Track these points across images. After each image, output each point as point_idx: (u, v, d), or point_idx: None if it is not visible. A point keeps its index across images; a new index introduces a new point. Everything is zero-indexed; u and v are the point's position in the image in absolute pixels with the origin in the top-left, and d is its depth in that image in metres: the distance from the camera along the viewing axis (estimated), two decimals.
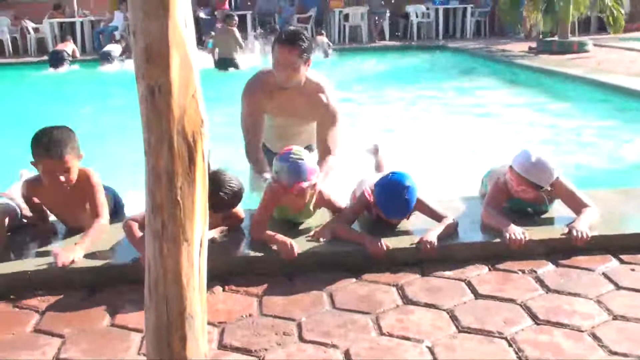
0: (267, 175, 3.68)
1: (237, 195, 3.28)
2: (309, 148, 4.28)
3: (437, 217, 3.42)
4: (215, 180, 3.24)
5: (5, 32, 17.45)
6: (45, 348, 2.62)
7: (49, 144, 3.19)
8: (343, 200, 3.71)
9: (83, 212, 3.43)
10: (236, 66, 13.40)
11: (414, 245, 3.24)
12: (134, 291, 2.94)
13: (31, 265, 3.15)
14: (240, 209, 3.49)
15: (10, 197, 3.65)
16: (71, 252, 3.10)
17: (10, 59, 16.86)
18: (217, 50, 13.84)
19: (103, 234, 3.32)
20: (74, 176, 3.30)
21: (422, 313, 2.78)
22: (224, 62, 13.56)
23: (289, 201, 3.40)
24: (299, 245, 3.23)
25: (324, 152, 4.02)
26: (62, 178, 3.25)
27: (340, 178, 4.01)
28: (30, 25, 17.68)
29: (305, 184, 3.30)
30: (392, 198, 3.34)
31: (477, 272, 3.15)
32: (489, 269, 3.18)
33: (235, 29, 14.19)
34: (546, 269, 3.16)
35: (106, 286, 3.08)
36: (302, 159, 3.30)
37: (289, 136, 4.18)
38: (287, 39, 3.79)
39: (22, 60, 16.47)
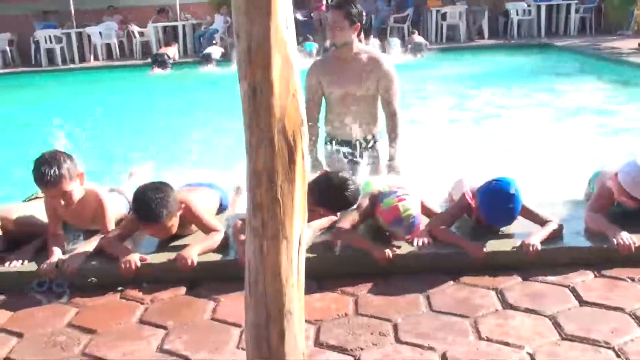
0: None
1: (358, 192, 3.55)
2: (372, 138, 4.63)
3: (540, 220, 3.31)
4: (335, 182, 3.49)
5: (113, 36, 18.30)
6: (150, 338, 2.73)
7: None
8: (435, 201, 3.66)
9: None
10: None
11: (515, 249, 3.15)
12: (233, 287, 3.02)
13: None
14: None
15: (121, 193, 3.83)
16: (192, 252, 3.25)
17: (117, 62, 17.67)
18: None
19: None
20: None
21: (523, 318, 2.70)
22: None
23: (391, 233, 3.38)
24: (395, 245, 3.21)
25: (389, 111, 4.54)
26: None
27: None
28: (135, 29, 18.47)
29: (419, 225, 3.30)
30: (497, 206, 3.25)
31: (582, 278, 3.02)
32: (595, 275, 3.05)
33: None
34: None
35: (206, 281, 3.18)
36: (414, 216, 3.24)
37: (351, 118, 4.50)
38: (336, 3, 4.40)
39: (128, 63, 17.22)
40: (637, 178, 3.21)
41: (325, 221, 3.47)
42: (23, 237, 3.52)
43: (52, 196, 3.38)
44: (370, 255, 3.16)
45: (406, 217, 3.21)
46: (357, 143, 4.57)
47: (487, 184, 3.30)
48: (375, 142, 4.66)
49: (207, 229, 3.45)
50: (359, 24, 4.37)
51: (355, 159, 4.58)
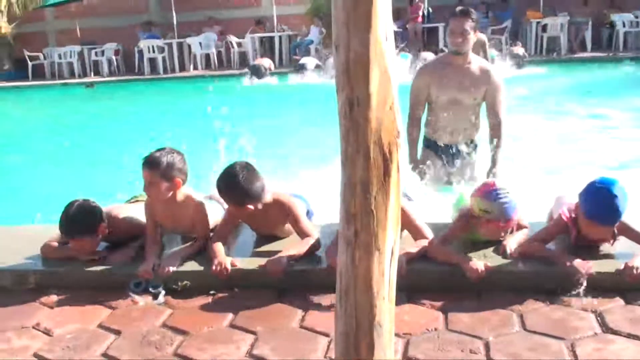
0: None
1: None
2: (472, 144, 4.76)
3: None
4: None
5: (212, 47, 18.89)
6: (239, 343, 2.78)
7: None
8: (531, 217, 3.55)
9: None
10: None
11: (617, 271, 3.00)
12: (321, 295, 3.03)
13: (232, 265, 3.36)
14: None
15: (218, 201, 3.94)
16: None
17: (216, 71, 18.20)
18: None
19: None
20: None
21: (624, 344, 2.57)
22: None
23: (486, 231, 3.30)
24: (489, 261, 3.14)
25: (494, 120, 4.69)
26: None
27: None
28: (234, 40, 18.98)
29: (516, 216, 3.24)
30: (601, 201, 3.07)
31: None
32: None
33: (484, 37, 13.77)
34: None
35: (297, 288, 3.21)
36: (509, 193, 3.19)
37: (453, 123, 4.63)
38: (459, 11, 4.62)
39: (226, 73, 17.71)
40: None
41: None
42: (124, 237, 3.67)
43: (145, 179, 3.50)
44: (462, 270, 3.10)
45: (502, 190, 3.16)
46: (457, 148, 4.60)
47: (590, 182, 3.15)
48: (475, 148, 4.80)
49: (302, 231, 3.50)
50: (478, 32, 4.60)
51: (452, 163, 4.60)
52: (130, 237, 3.68)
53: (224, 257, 3.35)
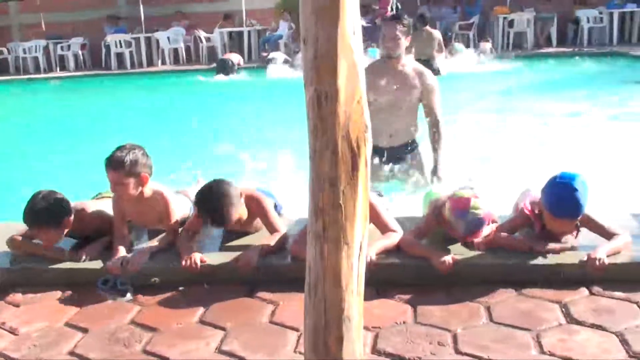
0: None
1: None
2: (413, 144, 4.91)
3: (607, 234, 3.20)
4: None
5: (180, 41, 18.70)
6: (209, 339, 2.77)
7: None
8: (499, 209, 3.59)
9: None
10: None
11: (581, 262, 3.06)
12: (293, 290, 3.03)
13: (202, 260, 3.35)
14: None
15: (186, 195, 3.92)
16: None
17: (184, 66, 18.04)
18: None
19: None
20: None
21: (588, 334, 2.62)
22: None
23: (456, 237, 3.32)
24: (458, 254, 3.17)
25: (432, 120, 4.82)
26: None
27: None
28: (202, 34, 18.83)
29: (481, 232, 3.24)
30: (563, 195, 3.12)
31: None
32: None
33: (438, 33, 13.83)
34: None
35: (266, 284, 3.21)
36: (481, 217, 3.20)
37: (391, 126, 4.71)
38: (391, 17, 4.83)
39: (194, 67, 17.55)
40: None
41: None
42: (92, 234, 3.63)
43: (110, 180, 3.47)
44: (431, 264, 3.13)
45: (473, 213, 3.17)
46: (398, 149, 4.66)
47: (552, 177, 3.21)
48: (416, 149, 4.93)
49: (271, 226, 3.51)
50: (409, 36, 4.68)
51: (395, 165, 4.70)
52: (98, 234, 3.63)
53: (193, 253, 3.33)
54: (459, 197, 3.24)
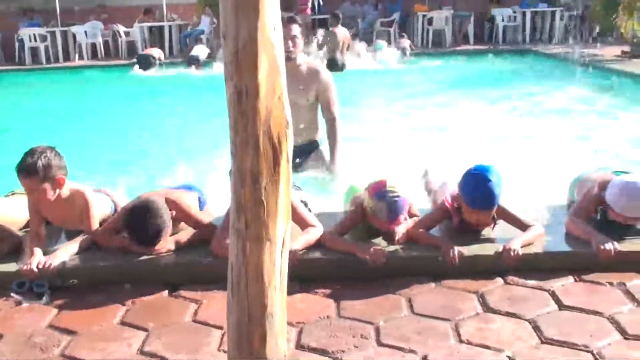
0: None
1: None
2: (314, 143, 5.02)
3: (522, 225, 3.33)
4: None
5: (98, 36, 18.18)
6: (131, 340, 2.72)
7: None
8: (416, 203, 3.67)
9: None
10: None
11: (496, 253, 3.17)
12: (215, 288, 3.01)
13: (121, 259, 3.29)
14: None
15: (107, 193, 3.82)
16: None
17: (102, 62, 17.55)
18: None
19: None
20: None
21: (503, 322, 2.72)
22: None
23: (377, 224, 3.37)
24: (379, 245, 3.23)
25: (329, 117, 4.98)
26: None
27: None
28: (121, 29, 18.36)
29: (402, 218, 3.29)
30: (477, 186, 3.22)
31: (562, 283, 3.05)
32: (575, 280, 3.08)
33: (347, 33, 14.26)
34: (636, 282, 3.03)
35: (189, 283, 3.17)
36: (399, 196, 3.25)
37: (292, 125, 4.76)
38: (287, 19, 4.69)
39: (114, 63, 17.12)
40: (625, 199, 3.23)
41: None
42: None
43: (25, 187, 3.35)
44: (355, 258, 3.17)
45: (391, 192, 3.22)
46: (301, 148, 4.74)
47: (469, 169, 3.31)
48: (318, 147, 5.07)
49: (198, 226, 3.47)
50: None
51: (298, 164, 4.76)
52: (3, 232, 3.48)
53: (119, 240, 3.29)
54: (374, 181, 3.31)
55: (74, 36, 18.13)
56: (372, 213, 3.29)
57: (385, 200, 3.23)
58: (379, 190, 3.26)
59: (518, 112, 9.11)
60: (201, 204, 3.93)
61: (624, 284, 3.00)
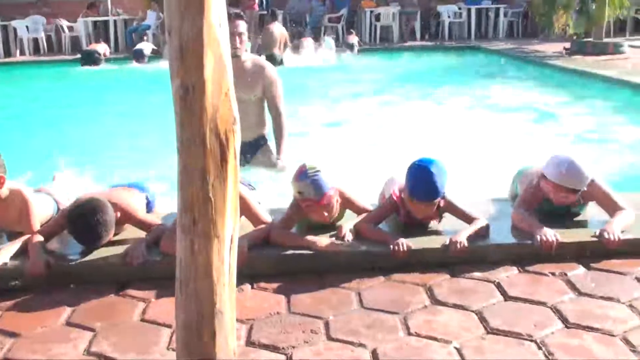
0: None
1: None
2: (263, 139, 5.11)
3: (468, 218, 3.39)
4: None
5: (41, 31, 17.73)
6: (77, 341, 2.66)
7: None
8: (365, 199, 3.70)
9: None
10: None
11: (443, 246, 3.22)
12: (164, 287, 2.98)
13: (66, 259, 3.22)
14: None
15: (48, 193, 3.73)
16: None
17: (45, 57, 17.12)
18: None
19: None
20: None
21: (451, 314, 2.77)
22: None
23: (317, 217, 3.39)
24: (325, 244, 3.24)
25: (274, 112, 5.09)
26: None
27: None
28: (64, 23, 17.94)
29: (331, 192, 3.32)
30: (420, 178, 3.27)
31: (507, 274, 3.12)
32: (519, 271, 3.16)
33: (284, 30, 14.32)
34: (577, 271, 3.13)
35: (137, 282, 3.13)
36: (319, 171, 3.32)
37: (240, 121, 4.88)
38: (234, 15, 4.72)
39: (56, 58, 16.71)
40: (564, 169, 3.33)
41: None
42: None
43: None
44: (304, 253, 3.18)
45: (311, 169, 3.30)
46: (248, 145, 4.76)
47: (412, 162, 3.36)
48: (266, 143, 5.13)
49: (145, 226, 3.42)
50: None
51: (247, 160, 4.79)
52: None
53: (40, 257, 3.16)
54: (297, 169, 3.40)
55: (15, 31, 17.62)
56: (300, 197, 3.33)
57: (308, 177, 3.30)
58: (300, 173, 3.34)
59: (462, 107, 9.28)
60: (149, 204, 3.88)
61: (565, 274, 3.10)
